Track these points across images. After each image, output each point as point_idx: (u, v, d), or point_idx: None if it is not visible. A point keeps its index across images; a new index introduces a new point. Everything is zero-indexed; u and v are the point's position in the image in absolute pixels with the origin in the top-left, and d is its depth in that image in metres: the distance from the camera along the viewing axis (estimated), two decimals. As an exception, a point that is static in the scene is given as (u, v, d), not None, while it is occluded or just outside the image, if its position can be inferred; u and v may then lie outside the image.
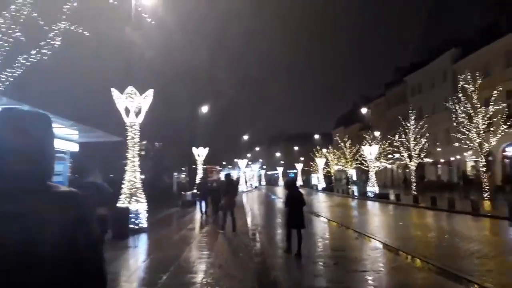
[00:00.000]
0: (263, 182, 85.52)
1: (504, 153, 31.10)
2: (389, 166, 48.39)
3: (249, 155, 78.38)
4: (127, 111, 12.13)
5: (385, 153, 37.67)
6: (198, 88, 34.88)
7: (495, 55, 31.10)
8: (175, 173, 30.64)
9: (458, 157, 36.66)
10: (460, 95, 22.60)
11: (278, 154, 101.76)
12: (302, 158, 74.42)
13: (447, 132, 38.66)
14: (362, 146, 35.59)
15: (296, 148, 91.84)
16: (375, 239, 11.12)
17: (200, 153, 28.32)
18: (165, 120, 32.28)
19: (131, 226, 11.77)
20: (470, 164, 36.37)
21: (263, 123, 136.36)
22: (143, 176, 19.06)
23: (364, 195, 30.30)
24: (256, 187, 68.87)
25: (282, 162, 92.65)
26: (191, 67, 34.37)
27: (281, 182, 79.93)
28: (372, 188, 29.61)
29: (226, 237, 11.61)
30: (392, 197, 26.67)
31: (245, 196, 37.41)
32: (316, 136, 67.57)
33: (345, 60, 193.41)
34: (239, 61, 48.55)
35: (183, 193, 26.03)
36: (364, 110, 37.42)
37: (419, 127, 29.38)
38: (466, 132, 23.04)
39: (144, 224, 12.34)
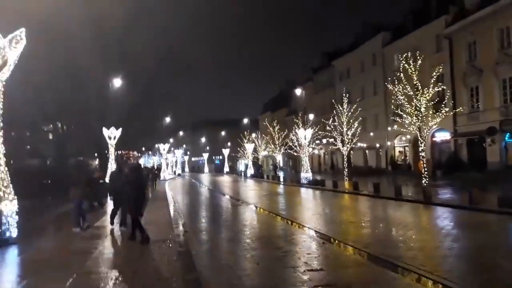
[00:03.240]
0: (187, 169, 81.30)
1: (434, 139, 31.30)
2: (317, 152, 47.69)
3: (171, 140, 73.48)
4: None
5: (315, 138, 36.26)
6: (111, 60, 29.53)
7: (424, 40, 30.83)
8: (80, 159, 25.81)
9: (388, 143, 36.67)
10: (402, 75, 21.16)
11: (203, 140, 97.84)
12: (229, 144, 71.76)
13: (375, 117, 38.53)
14: (295, 130, 33.70)
15: (222, 133, 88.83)
16: (347, 244, 8.53)
17: (112, 134, 23.84)
18: (69, 94, 26.95)
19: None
20: (398, 149, 36.55)
21: (187, 107, 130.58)
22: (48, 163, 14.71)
23: (298, 182, 28.33)
24: (179, 174, 64.62)
25: (207, 148, 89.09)
26: (102, 34, 28.88)
27: (206, 169, 76.59)
28: (306, 174, 27.71)
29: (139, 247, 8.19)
30: (328, 183, 24.90)
31: (168, 185, 33.48)
32: (245, 120, 64.96)
33: (270, 45, 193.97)
34: (161, 34, 43.46)
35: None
36: (298, 91, 35.41)
37: (351, 111, 28.17)
38: (404, 116, 21.96)
39: (12, 232, 8.41)
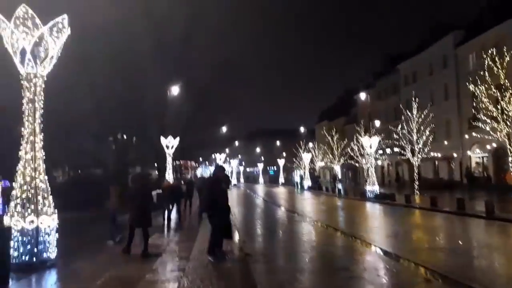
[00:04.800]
0: (242, 180, 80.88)
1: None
2: (380, 163, 44.69)
3: (227, 150, 73.58)
4: (22, 52, 7.16)
5: (379, 147, 33.72)
6: (169, 69, 29.58)
7: (507, 36, 27.39)
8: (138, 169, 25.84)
9: (463, 152, 33.08)
10: (487, 74, 18.55)
11: (258, 150, 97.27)
12: (284, 154, 70.36)
13: (447, 124, 35.16)
14: (357, 139, 31.55)
15: (277, 143, 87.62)
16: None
17: (170, 144, 23.42)
18: (129, 104, 27.13)
19: (25, 257, 6.96)
20: (475, 160, 32.85)
21: (243, 117, 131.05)
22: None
23: (362, 195, 26.08)
24: (234, 185, 64.18)
25: (262, 158, 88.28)
26: (162, 43, 29.04)
27: (261, 179, 75.64)
28: (372, 187, 25.40)
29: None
30: (399, 198, 22.52)
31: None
32: (302, 129, 63.14)
33: (327, 52, 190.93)
34: (218, 44, 43.48)
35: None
36: (363, 95, 32.95)
37: (423, 118, 25.57)
38: (488, 121, 19.21)
39: (51, 253, 7.34)
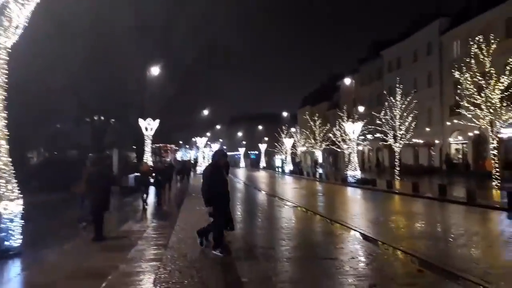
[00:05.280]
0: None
1: (500, 135, 27.86)
2: (361, 148, 44.90)
3: (208, 133, 72.76)
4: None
5: (361, 132, 33.72)
6: (151, 50, 28.56)
7: (492, 25, 27.41)
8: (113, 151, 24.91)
9: (444, 139, 33.38)
10: (473, 61, 18.42)
11: (239, 134, 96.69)
12: (266, 138, 70.11)
13: (429, 111, 35.40)
14: (340, 124, 31.42)
15: (259, 128, 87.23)
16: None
17: (149, 126, 22.66)
18: (108, 85, 26.15)
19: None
20: (454, 147, 33.25)
21: (224, 100, 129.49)
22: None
23: (344, 180, 26.03)
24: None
25: (244, 142, 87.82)
26: (144, 23, 27.91)
27: (242, 163, 75.35)
28: (354, 172, 25.34)
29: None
30: (380, 183, 22.52)
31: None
32: (285, 114, 62.73)
33: (309, 38, 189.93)
34: (202, 25, 42.13)
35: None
36: (347, 81, 32.41)
37: (406, 104, 25.53)
38: (472, 108, 19.18)
39: (14, 242, 6.71)
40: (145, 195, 13.90)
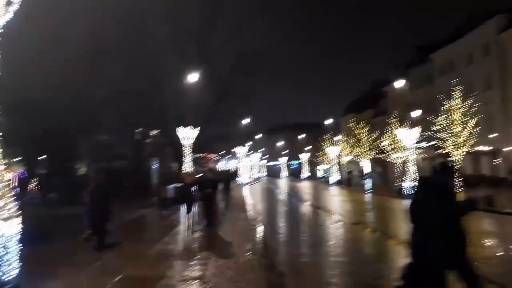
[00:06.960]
0: (264, 174, 79.29)
1: None
2: (414, 157, 41.83)
3: (249, 143, 71.89)
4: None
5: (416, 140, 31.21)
6: (189, 59, 27.98)
7: None
8: (155, 162, 24.12)
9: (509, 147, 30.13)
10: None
11: (280, 144, 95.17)
12: (308, 148, 68.18)
13: (490, 116, 32.22)
14: (389, 132, 29.19)
15: (300, 137, 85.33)
16: None
17: (188, 135, 21.77)
18: (146, 96, 25.82)
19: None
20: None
21: (265, 109, 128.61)
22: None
23: (399, 192, 23.79)
24: (258, 178, 62.69)
25: (284, 152, 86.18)
26: (180, 30, 27.49)
27: (283, 173, 73.80)
28: (411, 183, 23.05)
29: None
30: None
31: (247, 191, 31.02)
32: (329, 121, 60.38)
33: (353, 45, 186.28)
34: (238, 34, 41.21)
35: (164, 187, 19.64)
36: (399, 84, 29.96)
37: (466, 109, 23.16)
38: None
39: (9, 273, 5.13)
40: (188, 210, 11.37)
